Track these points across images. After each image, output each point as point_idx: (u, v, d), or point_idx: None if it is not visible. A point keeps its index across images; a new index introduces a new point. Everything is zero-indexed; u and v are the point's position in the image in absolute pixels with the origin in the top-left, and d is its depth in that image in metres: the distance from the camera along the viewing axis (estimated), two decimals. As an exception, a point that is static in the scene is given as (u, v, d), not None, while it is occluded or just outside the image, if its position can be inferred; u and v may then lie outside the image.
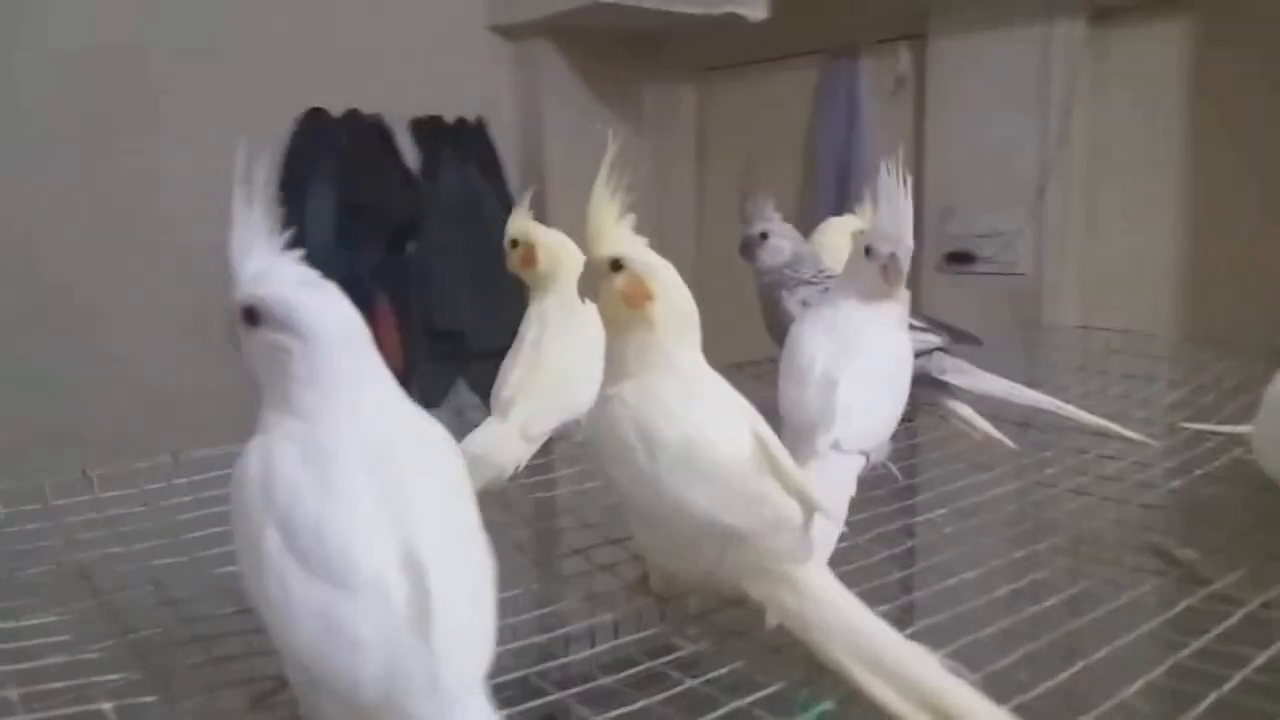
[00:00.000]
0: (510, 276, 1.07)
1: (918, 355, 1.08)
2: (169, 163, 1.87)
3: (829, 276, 1.21)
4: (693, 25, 2.23)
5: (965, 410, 1.12)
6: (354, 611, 0.47)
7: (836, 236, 1.45)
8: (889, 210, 0.97)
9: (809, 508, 0.65)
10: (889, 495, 0.92)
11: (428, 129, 2.21)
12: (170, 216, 1.85)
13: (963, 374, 1.14)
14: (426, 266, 2.11)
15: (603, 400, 0.72)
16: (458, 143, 2.22)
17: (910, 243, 0.96)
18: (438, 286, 2.10)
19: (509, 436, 0.94)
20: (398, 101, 2.17)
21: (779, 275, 1.20)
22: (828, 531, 0.72)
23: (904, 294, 0.98)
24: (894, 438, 0.96)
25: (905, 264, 0.96)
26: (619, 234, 0.72)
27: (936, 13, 2.00)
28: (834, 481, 0.83)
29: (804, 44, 2.25)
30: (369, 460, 0.53)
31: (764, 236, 1.23)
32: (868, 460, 0.90)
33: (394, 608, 0.47)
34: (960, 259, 2.02)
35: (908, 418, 1.07)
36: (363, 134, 2.11)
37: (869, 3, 2.10)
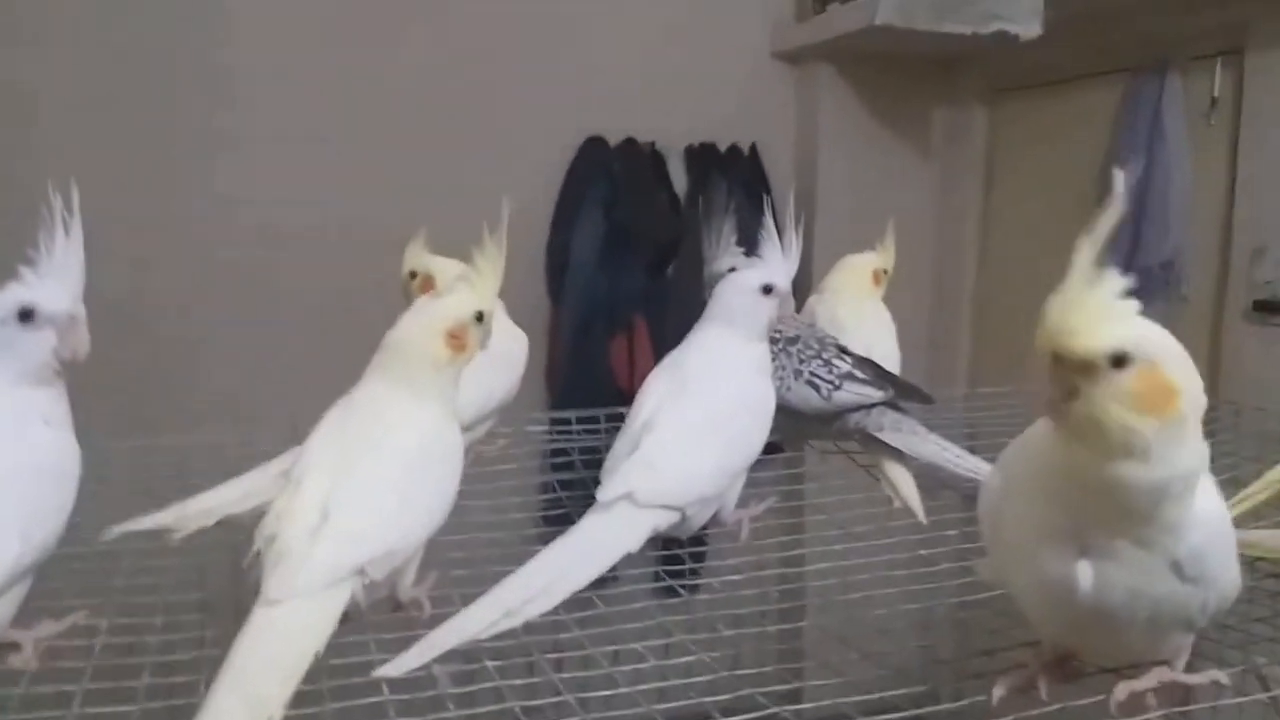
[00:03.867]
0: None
1: (854, 410, 1.04)
2: (460, 184, 2.10)
3: (792, 337, 1.13)
4: (980, 45, 2.11)
5: (897, 472, 1.03)
6: None
7: (852, 278, 1.32)
8: (788, 241, 0.97)
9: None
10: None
11: (699, 155, 2.29)
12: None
13: (900, 433, 1.03)
14: (682, 289, 2.18)
15: None
16: (726, 168, 2.27)
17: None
18: (691, 309, 2.16)
19: None
20: (678, 128, 2.27)
21: None
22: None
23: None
24: (768, 493, 0.97)
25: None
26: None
27: (1258, 25, 1.73)
28: (595, 538, 0.80)
29: (1105, 61, 2.03)
30: None
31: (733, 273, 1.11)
32: (682, 516, 0.85)
33: None
34: (1273, 308, 1.73)
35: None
36: (636, 161, 2.22)
37: (1178, 16, 1.85)
